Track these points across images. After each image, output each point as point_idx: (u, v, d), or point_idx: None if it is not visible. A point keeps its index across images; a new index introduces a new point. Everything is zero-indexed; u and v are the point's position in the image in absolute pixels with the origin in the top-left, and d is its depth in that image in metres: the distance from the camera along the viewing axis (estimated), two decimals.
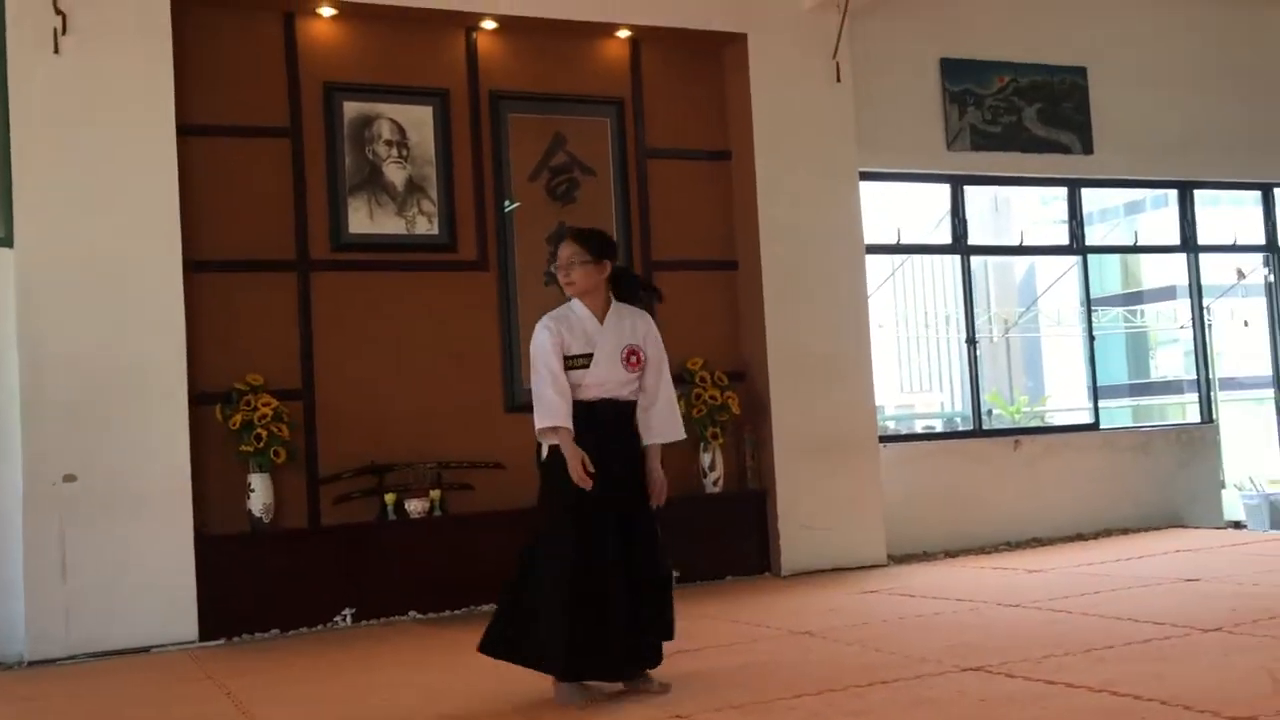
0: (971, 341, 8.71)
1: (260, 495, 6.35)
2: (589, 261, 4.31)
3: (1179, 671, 4.01)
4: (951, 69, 8.51)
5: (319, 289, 6.76)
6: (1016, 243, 9.39)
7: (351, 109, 6.89)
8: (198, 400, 6.30)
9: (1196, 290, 9.56)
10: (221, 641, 6.13)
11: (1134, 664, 4.17)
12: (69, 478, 5.92)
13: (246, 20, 6.72)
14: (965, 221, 8.66)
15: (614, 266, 4.40)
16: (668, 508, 7.58)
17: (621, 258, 4.56)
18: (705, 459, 7.35)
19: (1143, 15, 9.24)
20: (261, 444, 6.28)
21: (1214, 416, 9.46)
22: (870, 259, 8.01)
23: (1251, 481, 9.76)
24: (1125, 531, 8.63)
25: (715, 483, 7.35)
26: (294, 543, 6.46)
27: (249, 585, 6.24)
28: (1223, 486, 9.43)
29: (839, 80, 7.75)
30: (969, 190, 8.76)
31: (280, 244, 6.71)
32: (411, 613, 6.53)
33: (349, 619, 6.41)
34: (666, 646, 4.31)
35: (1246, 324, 9.91)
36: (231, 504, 6.37)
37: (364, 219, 6.88)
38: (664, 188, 7.58)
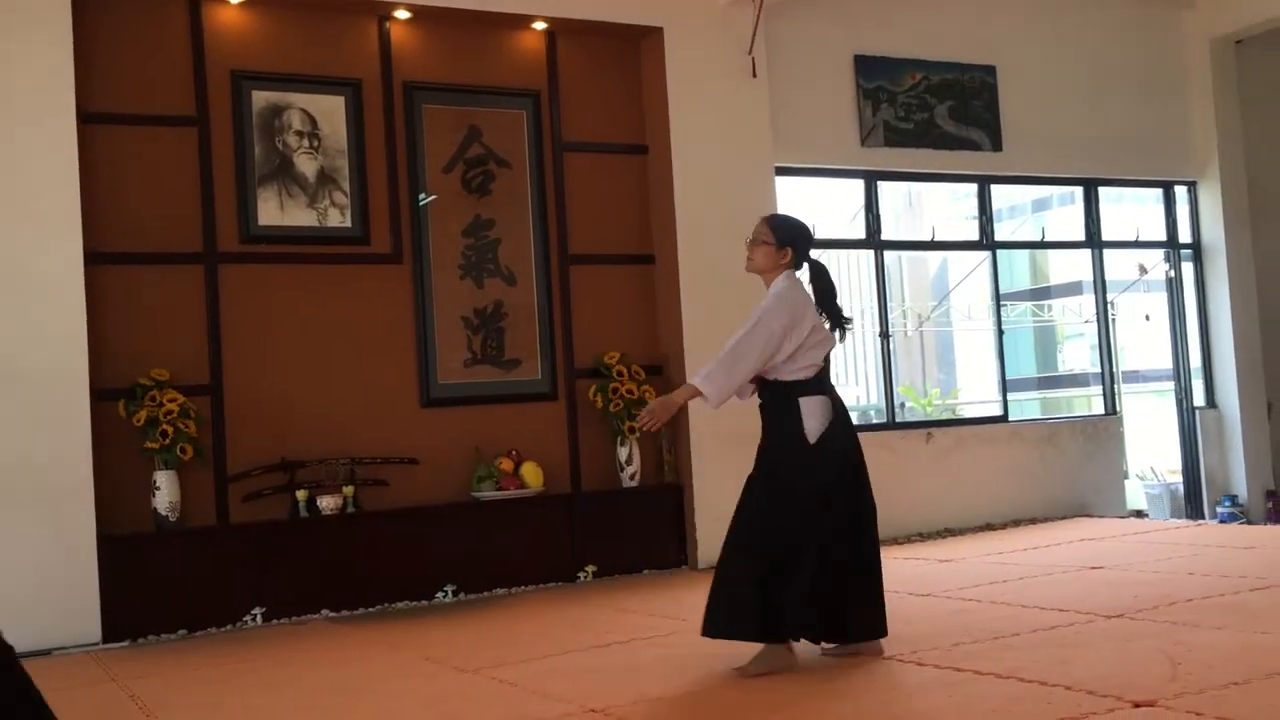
0: (885, 335, 8.82)
1: (166, 493, 6.19)
2: (769, 244, 4.47)
3: (1083, 657, 4.12)
4: (865, 66, 8.60)
5: (227, 282, 6.60)
6: (929, 238, 9.52)
7: (260, 98, 6.74)
8: (100, 396, 6.12)
9: (1101, 285, 9.79)
10: (126, 643, 5.97)
11: (1040, 650, 4.27)
12: None
13: (151, 5, 6.54)
14: (879, 217, 8.77)
15: (811, 263, 4.51)
16: (586, 502, 7.54)
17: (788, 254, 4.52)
18: (622, 453, 7.35)
19: (1047, 16, 9.42)
20: (167, 440, 6.13)
21: (1118, 409, 9.70)
22: None
23: (1153, 471, 10.04)
24: (1033, 521, 8.82)
25: (632, 477, 7.36)
26: (201, 541, 6.31)
27: (154, 585, 6.09)
28: (1126, 477, 9.68)
29: (755, 75, 7.79)
30: (882, 186, 8.87)
31: (187, 236, 6.54)
32: (324, 611, 6.43)
33: (259, 619, 6.29)
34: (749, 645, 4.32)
35: (1148, 318, 10.17)
36: (136, 502, 6.20)
37: (274, 210, 6.74)
38: (580, 181, 7.55)
